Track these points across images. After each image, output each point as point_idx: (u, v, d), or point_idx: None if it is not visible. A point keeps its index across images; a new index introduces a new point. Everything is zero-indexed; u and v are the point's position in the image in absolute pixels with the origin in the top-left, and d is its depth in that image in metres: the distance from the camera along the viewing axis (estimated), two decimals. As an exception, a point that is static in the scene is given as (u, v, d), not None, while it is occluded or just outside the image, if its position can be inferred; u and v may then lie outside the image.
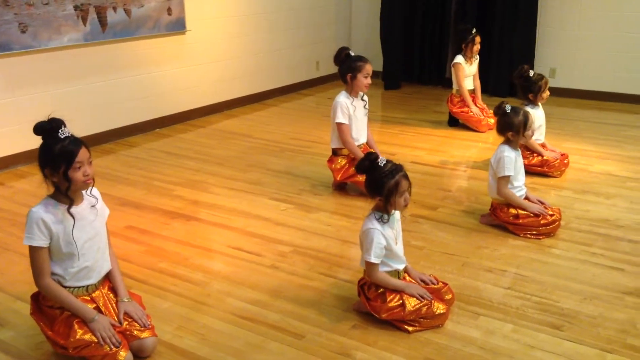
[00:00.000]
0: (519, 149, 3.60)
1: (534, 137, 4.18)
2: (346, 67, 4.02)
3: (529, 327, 2.63)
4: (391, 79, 7.60)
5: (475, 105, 5.69)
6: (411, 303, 2.57)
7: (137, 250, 3.37)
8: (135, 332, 2.34)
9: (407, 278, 2.72)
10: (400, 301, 2.58)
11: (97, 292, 2.37)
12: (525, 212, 3.48)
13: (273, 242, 3.47)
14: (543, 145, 4.54)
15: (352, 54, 4.05)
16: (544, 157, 4.42)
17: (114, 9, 5.12)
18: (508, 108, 3.51)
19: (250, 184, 4.37)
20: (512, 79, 4.61)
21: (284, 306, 2.80)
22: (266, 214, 3.85)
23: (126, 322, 2.34)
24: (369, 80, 4.04)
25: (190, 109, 6.11)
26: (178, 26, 5.73)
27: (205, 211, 3.92)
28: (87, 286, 2.35)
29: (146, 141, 5.44)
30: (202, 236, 3.58)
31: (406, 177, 2.56)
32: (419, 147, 5.21)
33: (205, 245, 3.45)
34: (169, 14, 5.61)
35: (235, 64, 6.56)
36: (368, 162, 2.57)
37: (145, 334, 2.35)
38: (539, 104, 4.47)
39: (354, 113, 4.07)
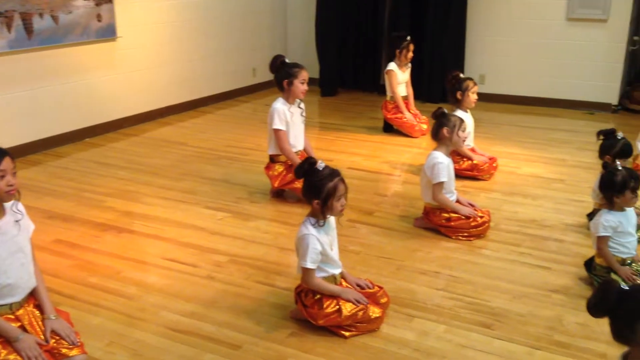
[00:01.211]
0: (450, 156, 3.72)
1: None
2: (283, 74, 4.02)
3: (461, 327, 2.70)
4: (328, 85, 7.66)
5: (409, 111, 5.81)
6: (347, 308, 2.59)
7: (65, 264, 3.25)
8: (64, 350, 2.25)
9: (344, 283, 2.74)
10: (337, 307, 2.59)
11: (21, 310, 2.27)
12: (456, 214, 3.57)
13: (209, 252, 3.42)
14: (472, 150, 4.69)
15: (288, 61, 4.07)
16: (474, 161, 4.56)
17: (40, 15, 4.94)
18: (445, 110, 3.69)
19: (185, 193, 4.30)
20: (445, 82, 4.77)
21: (220, 317, 2.76)
22: (201, 223, 3.79)
23: (53, 340, 2.25)
24: (305, 87, 4.06)
25: (123, 117, 5.95)
26: (108, 33, 5.58)
27: (138, 222, 3.82)
28: (11, 304, 2.25)
29: (76, 151, 5.26)
30: (135, 248, 3.49)
31: (343, 181, 2.61)
32: (355, 153, 5.27)
33: (139, 258, 3.37)
34: (99, 21, 5.46)
35: (170, 70, 6.45)
36: (307, 166, 2.59)
37: (73, 352, 2.27)
38: (468, 110, 4.62)
39: (291, 119, 4.08)
